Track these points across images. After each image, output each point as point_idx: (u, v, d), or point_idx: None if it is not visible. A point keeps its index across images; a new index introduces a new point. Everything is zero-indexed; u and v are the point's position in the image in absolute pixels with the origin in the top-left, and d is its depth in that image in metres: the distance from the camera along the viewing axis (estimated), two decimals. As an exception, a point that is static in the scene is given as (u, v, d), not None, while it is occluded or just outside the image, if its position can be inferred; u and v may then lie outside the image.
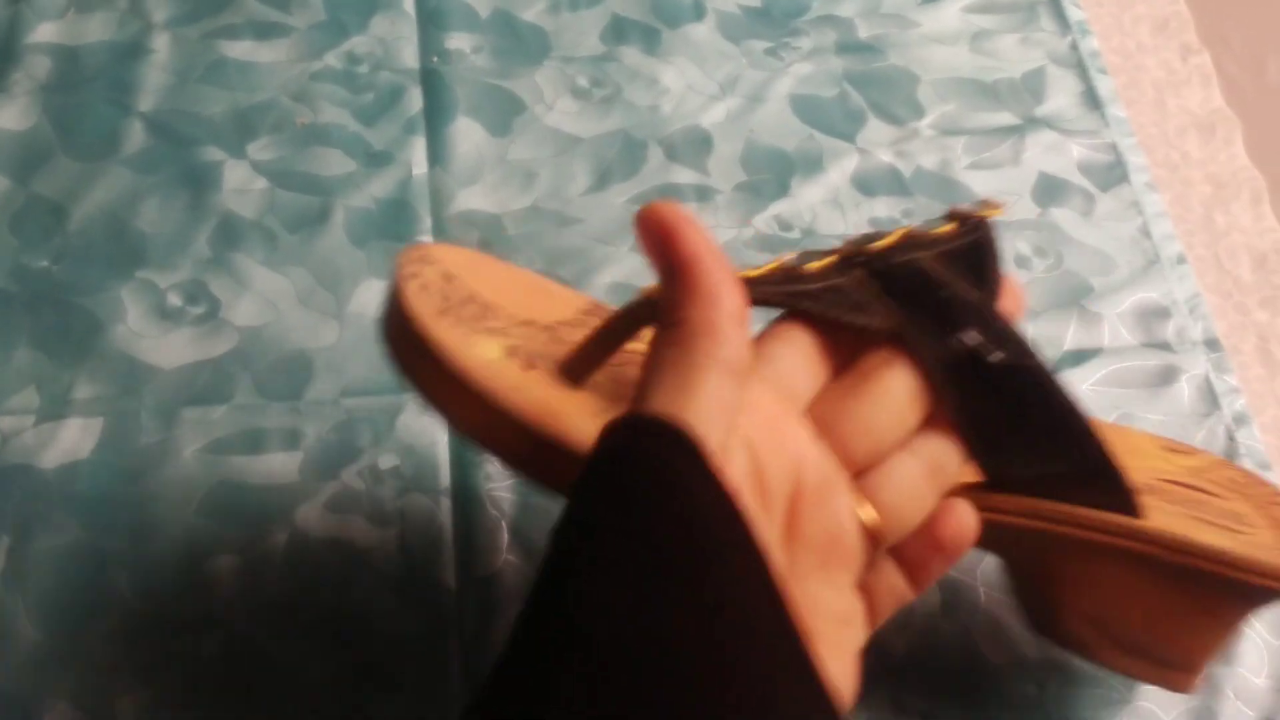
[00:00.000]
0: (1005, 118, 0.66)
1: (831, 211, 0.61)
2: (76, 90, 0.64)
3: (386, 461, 0.52)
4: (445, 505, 0.51)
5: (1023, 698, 0.47)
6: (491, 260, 0.45)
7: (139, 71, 0.64)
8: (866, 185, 0.63)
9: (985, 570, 0.50)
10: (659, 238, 0.34)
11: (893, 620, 0.48)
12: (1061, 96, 0.67)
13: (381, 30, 0.67)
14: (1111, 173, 0.64)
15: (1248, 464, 0.53)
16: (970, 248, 0.39)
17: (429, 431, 0.53)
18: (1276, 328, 0.59)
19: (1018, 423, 0.37)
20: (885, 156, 0.64)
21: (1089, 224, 0.62)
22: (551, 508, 0.51)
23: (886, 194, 0.62)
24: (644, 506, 0.30)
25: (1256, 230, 0.62)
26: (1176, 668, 0.42)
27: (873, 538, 0.36)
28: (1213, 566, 0.39)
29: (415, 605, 0.49)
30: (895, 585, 0.37)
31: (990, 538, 0.38)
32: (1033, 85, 0.67)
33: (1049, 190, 0.63)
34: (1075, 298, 0.59)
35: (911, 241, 0.39)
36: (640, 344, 0.37)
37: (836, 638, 0.34)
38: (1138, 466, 0.43)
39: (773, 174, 0.63)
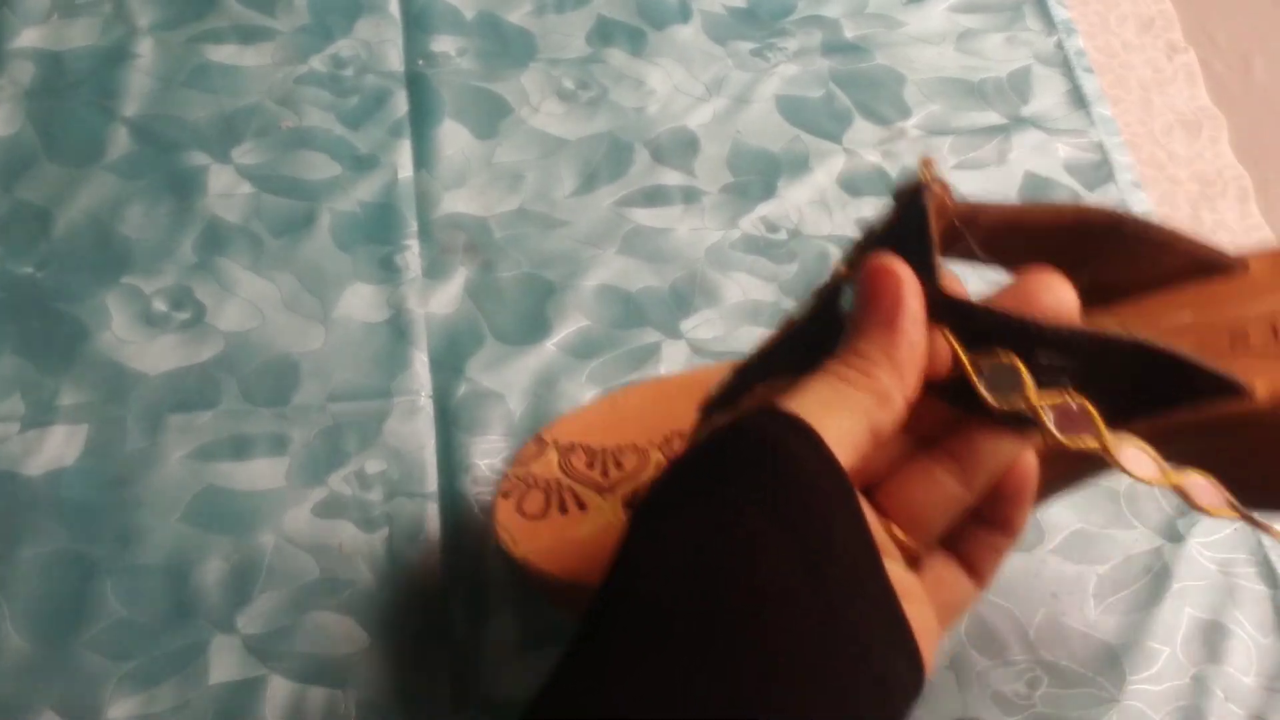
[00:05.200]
0: (991, 117, 0.66)
1: (818, 213, 0.61)
2: (60, 95, 0.63)
3: (373, 466, 0.52)
4: (433, 510, 0.51)
5: (1013, 697, 0.47)
6: (631, 391, 0.52)
7: (123, 76, 0.64)
8: (853, 186, 0.62)
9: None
10: (886, 295, 0.35)
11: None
12: (1047, 96, 0.67)
13: (366, 33, 0.67)
14: (1098, 172, 0.64)
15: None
16: (912, 231, 0.38)
17: (416, 436, 0.53)
18: (1263, 325, 0.59)
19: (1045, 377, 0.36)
20: (872, 157, 0.64)
21: (1076, 223, 0.62)
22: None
23: (873, 194, 0.62)
24: (757, 469, 0.32)
25: (1243, 228, 0.63)
26: None
27: (901, 545, 0.36)
28: None
29: (403, 610, 0.49)
30: (951, 580, 0.38)
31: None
32: (1018, 85, 0.67)
33: (1035, 190, 0.63)
34: (1062, 297, 0.59)
35: (866, 244, 0.38)
36: None
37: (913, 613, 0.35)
38: (1256, 312, 0.41)
39: (759, 175, 0.63)
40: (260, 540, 0.50)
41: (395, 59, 0.66)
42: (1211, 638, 0.49)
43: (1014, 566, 0.50)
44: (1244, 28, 0.72)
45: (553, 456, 0.48)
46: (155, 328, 0.56)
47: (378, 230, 0.59)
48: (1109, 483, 0.52)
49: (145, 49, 0.65)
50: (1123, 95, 0.68)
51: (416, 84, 0.65)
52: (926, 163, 0.39)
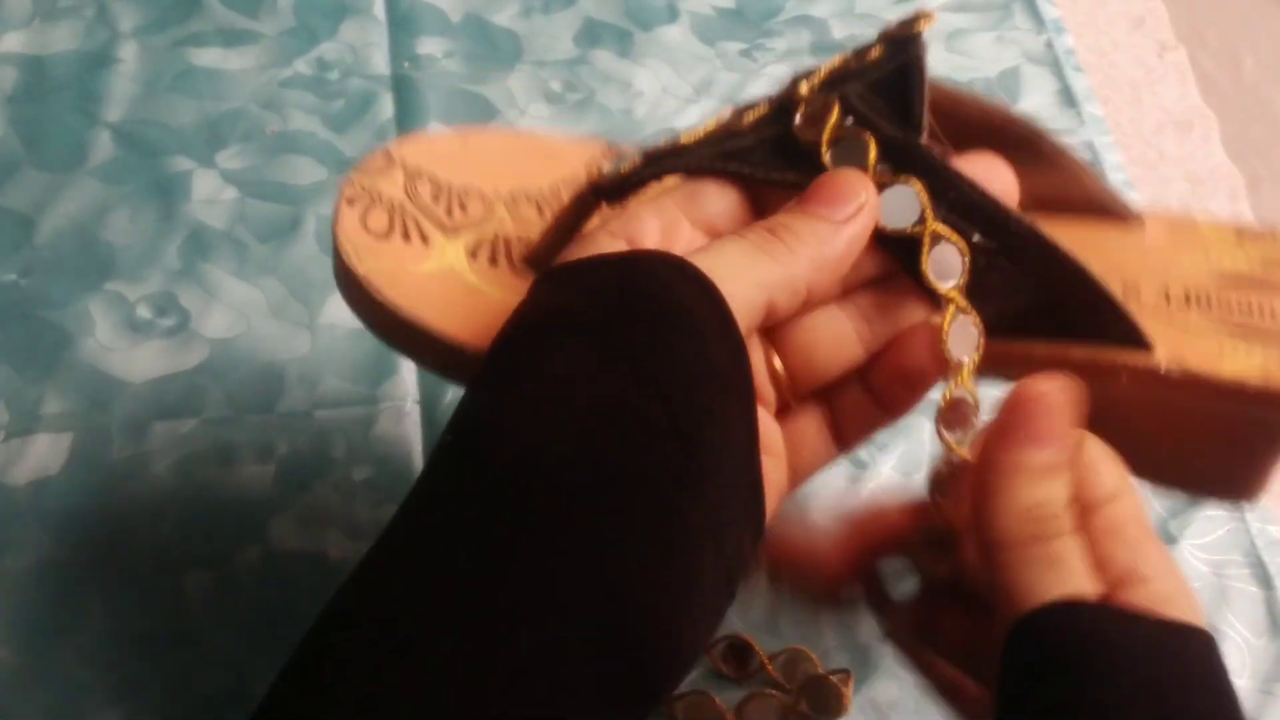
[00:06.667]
0: (981, 117, 0.65)
1: (808, 214, 0.61)
2: (43, 100, 0.63)
3: (360, 473, 0.52)
4: (420, 516, 0.51)
5: (1004, 702, 0.47)
6: (484, 133, 0.47)
7: (106, 81, 0.64)
8: (842, 187, 0.62)
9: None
10: (848, 201, 0.34)
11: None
12: (1037, 95, 0.66)
13: (351, 36, 0.66)
14: (1088, 171, 0.63)
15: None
16: (895, 75, 0.36)
17: (403, 442, 0.52)
18: (1255, 325, 0.59)
19: (982, 267, 0.35)
20: (861, 157, 0.63)
21: (1066, 223, 0.62)
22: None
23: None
24: (649, 324, 0.31)
25: (1234, 227, 0.62)
26: (1229, 489, 0.39)
27: (780, 383, 0.35)
28: (1232, 401, 0.36)
29: (391, 619, 0.48)
30: (812, 439, 0.37)
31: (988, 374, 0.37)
32: (1008, 84, 0.67)
33: (1026, 189, 0.63)
34: (1053, 297, 0.59)
35: (840, 75, 0.37)
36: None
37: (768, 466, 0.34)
38: (1190, 269, 0.40)
39: (748, 176, 0.62)
40: (246, 549, 0.49)
41: (381, 62, 0.66)
42: (1205, 640, 0.48)
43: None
44: (1234, 26, 0.72)
45: (399, 176, 0.44)
46: (139, 334, 0.55)
47: (364, 235, 0.59)
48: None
49: (128, 53, 0.65)
50: (1113, 94, 0.68)
51: (402, 87, 0.65)
52: (928, 15, 0.37)
